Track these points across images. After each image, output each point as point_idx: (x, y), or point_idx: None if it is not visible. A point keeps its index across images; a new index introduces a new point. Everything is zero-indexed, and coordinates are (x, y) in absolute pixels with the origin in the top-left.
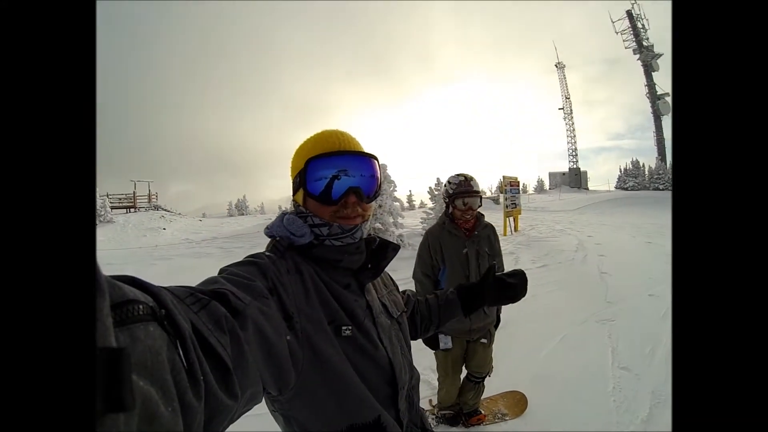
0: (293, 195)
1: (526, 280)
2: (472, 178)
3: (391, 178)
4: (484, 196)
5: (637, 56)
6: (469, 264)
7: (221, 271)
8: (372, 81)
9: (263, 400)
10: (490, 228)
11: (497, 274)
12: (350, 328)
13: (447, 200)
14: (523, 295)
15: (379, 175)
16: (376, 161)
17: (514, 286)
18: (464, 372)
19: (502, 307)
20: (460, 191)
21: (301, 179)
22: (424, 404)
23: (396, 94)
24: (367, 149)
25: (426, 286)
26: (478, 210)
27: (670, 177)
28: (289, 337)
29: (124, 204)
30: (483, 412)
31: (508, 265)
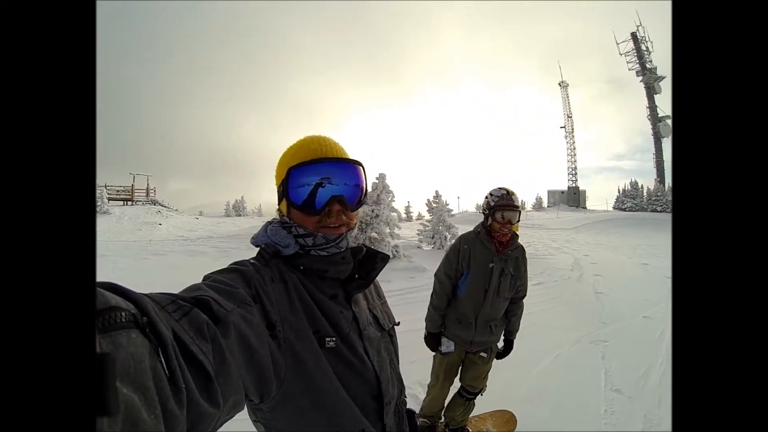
0: (278, 204)
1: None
2: (513, 193)
3: (390, 188)
4: (480, 212)
5: (640, 78)
6: (491, 279)
7: (205, 278)
8: (381, 86)
9: (245, 408)
10: (521, 250)
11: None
12: (334, 339)
13: (487, 212)
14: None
15: (363, 183)
16: (360, 168)
17: None
18: (457, 385)
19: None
20: (500, 204)
21: (284, 188)
22: None
23: (403, 100)
24: (370, 150)
25: (445, 286)
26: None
27: (669, 199)
28: (270, 345)
29: (121, 196)
30: (470, 430)
31: None
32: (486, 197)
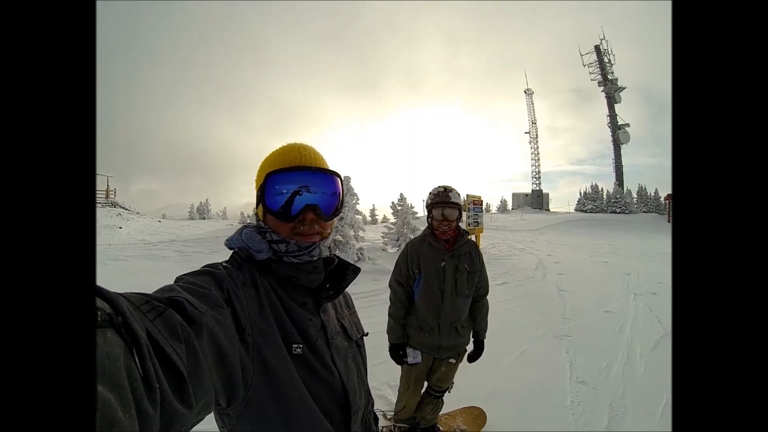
0: (256, 208)
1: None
2: (451, 189)
3: (354, 191)
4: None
5: (602, 88)
6: (446, 278)
7: (177, 279)
8: (358, 96)
9: (212, 414)
10: (472, 244)
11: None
12: (301, 346)
13: (427, 210)
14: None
15: (340, 193)
16: (338, 178)
17: None
18: (425, 386)
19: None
20: (437, 202)
21: (261, 193)
22: (379, 420)
23: (379, 111)
24: (344, 160)
25: (398, 294)
26: (462, 227)
27: (627, 201)
28: (240, 349)
29: None
30: (441, 428)
31: None
32: (427, 196)
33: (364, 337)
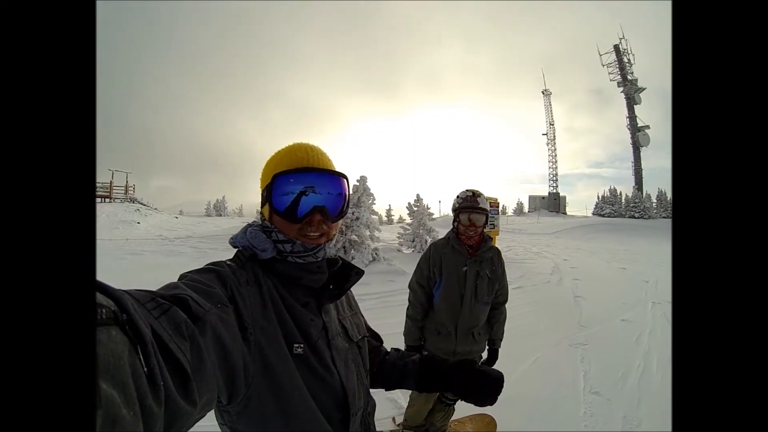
0: (261, 207)
1: (498, 390)
2: (479, 195)
3: (371, 191)
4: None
5: (621, 89)
6: (466, 282)
7: (181, 277)
8: (375, 96)
9: (212, 411)
10: (495, 250)
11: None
12: (302, 346)
13: (453, 214)
14: (491, 403)
15: (347, 194)
16: (344, 179)
17: (482, 392)
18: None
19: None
20: (464, 206)
21: (268, 194)
22: (387, 423)
23: (396, 111)
24: (361, 160)
25: (418, 296)
26: (487, 232)
27: (646, 206)
28: (242, 347)
29: (99, 193)
30: None
31: None
32: (454, 200)
33: (365, 338)
